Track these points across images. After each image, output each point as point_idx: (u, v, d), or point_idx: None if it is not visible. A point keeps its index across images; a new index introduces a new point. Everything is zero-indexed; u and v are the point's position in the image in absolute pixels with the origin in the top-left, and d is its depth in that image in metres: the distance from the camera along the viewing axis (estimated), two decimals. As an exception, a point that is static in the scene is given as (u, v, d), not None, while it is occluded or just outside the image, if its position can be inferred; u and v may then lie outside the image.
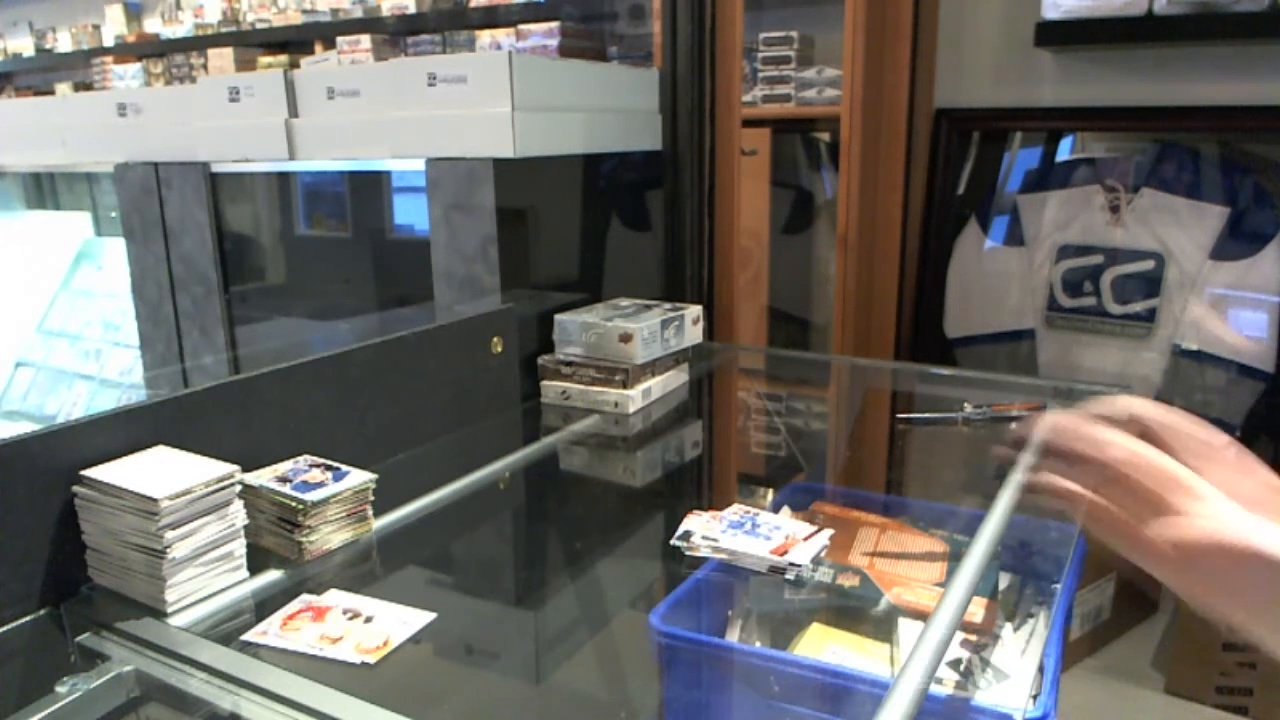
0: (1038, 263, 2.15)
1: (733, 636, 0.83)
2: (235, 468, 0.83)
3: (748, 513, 0.84)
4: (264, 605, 0.82)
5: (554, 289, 1.51)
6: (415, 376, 1.18)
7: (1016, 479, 0.75)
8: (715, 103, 1.72)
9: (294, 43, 3.57)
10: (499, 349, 1.32)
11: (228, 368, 1.93)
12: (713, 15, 1.67)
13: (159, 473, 0.80)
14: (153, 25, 4.17)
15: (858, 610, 0.82)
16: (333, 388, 1.06)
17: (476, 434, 1.27)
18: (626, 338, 1.35)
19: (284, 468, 0.94)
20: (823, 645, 0.78)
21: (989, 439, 1.30)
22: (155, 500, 0.76)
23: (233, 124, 1.69)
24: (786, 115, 2.41)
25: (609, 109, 1.59)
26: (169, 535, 0.77)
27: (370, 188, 1.75)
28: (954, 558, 0.88)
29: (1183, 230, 1.98)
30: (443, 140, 1.42)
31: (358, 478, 0.93)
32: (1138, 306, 2.04)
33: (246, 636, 0.76)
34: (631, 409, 1.35)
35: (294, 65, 3.42)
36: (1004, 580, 0.88)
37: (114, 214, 2.12)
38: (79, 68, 4.37)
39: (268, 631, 0.77)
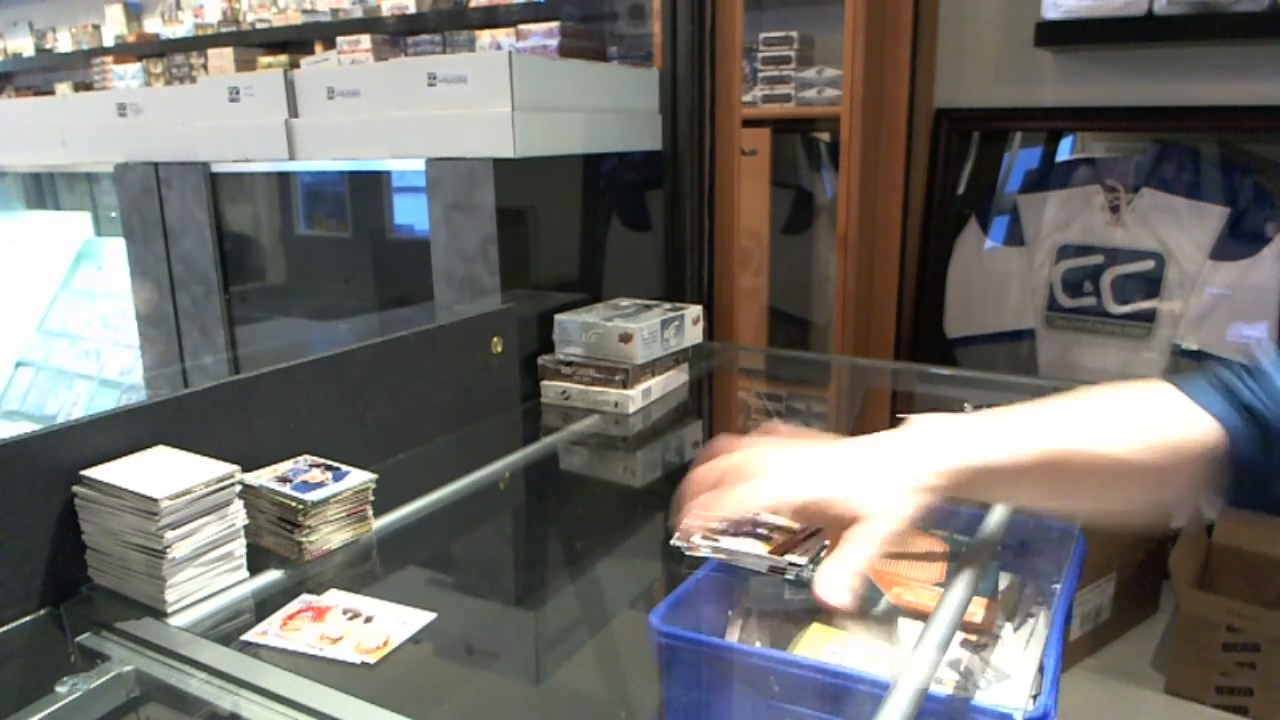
0: (1038, 263, 2.15)
1: (733, 636, 0.83)
2: (235, 468, 0.83)
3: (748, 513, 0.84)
4: (264, 605, 0.82)
5: (554, 289, 1.51)
6: (415, 376, 1.18)
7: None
8: (715, 103, 1.72)
9: (294, 43, 3.57)
10: (499, 349, 1.32)
11: (228, 368, 1.93)
12: (713, 15, 1.67)
13: (159, 473, 0.80)
14: (153, 25, 4.17)
15: (857, 610, 0.82)
16: (333, 388, 1.06)
17: (476, 434, 1.27)
18: (626, 338, 1.35)
19: (284, 468, 0.94)
20: (823, 645, 0.78)
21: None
22: (155, 500, 0.76)
23: (233, 124, 1.69)
24: (786, 115, 2.40)
25: (609, 109, 1.59)
26: (169, 535, 0.77)
27: (370, 188, 1.75)
28: (954, 558, 0.88)
29: (1183, 230, 1.98)
30: (443, 140, 1.42)
31: (358, 478, 0.93)
32: (1138, 306, 2.04)
33: (246, 636, 0.76)
34: (631, 409, 1.35)
35: (294, 65, 3.42)
36: (1004, 580, 0.88)
37: (114, 214, 2.12)
38: (79, 68, 4.37)
39: (268, 631, 0.77)
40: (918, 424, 0.64)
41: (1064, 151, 2.19)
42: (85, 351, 2.28)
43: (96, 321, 2.30)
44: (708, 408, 1.54)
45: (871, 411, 1.57)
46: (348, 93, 1.54)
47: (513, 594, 0.95)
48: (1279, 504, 0.64)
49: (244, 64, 3.61)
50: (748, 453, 0.66)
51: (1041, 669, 0.74)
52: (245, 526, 0.84)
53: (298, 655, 0.74)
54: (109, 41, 4.23)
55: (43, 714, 0.66)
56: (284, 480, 0.91)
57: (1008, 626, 0.80)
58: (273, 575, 0.86)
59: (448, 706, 0.75)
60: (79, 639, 0.76)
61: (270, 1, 3.62)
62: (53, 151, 2.10)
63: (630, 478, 1.24)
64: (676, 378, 1.48)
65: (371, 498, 0.94)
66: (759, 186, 2.37)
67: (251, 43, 3.66)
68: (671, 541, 0.67)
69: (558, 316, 1.42)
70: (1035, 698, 0.70)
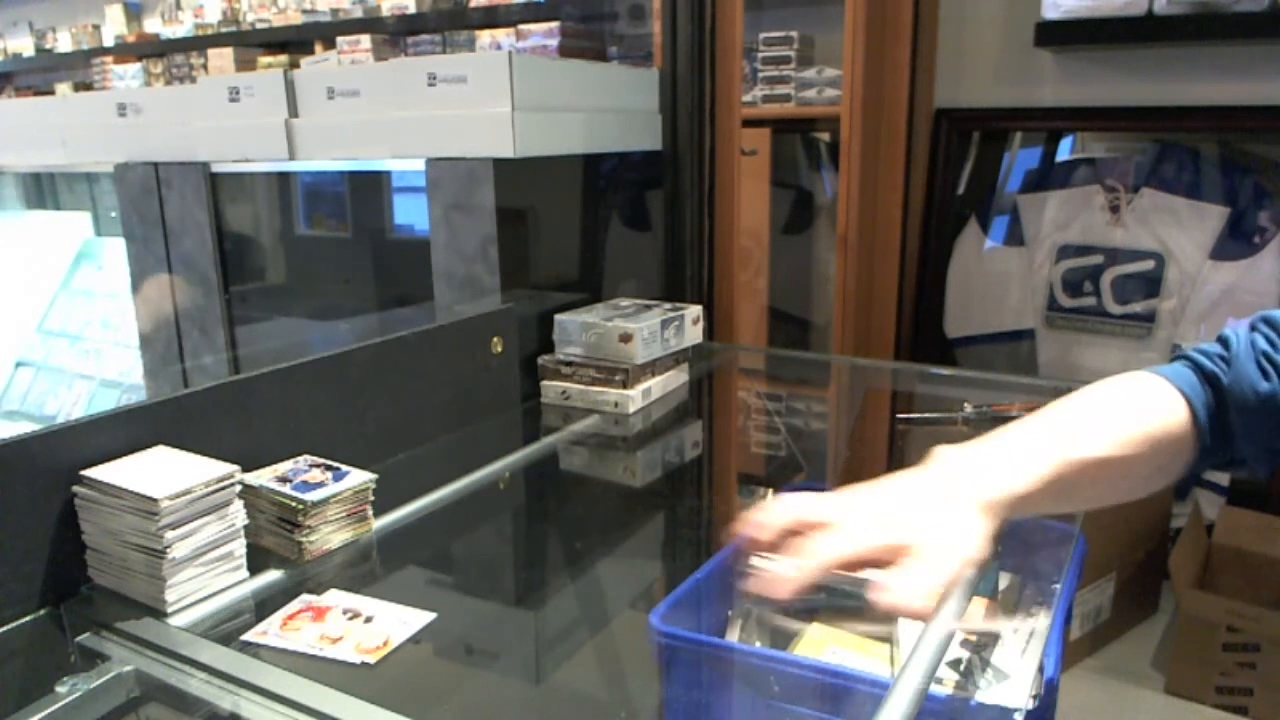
0: (1038, 263, 2.15)
1: (733, 636, 0.83)
2: (235, 468, 0.83)
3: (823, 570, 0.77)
4: (264, 605, 0.82)
5: (554, 289, 1.51)
6: (415, 376, 1.18)
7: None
8: (715, 103, 1.72)
9: (294, 43, 3.57)
10: (499, 349, 1.32)
11: (228, 368, 1.93)
12: (713, 15, 1.67)
13: (159, 473, 0.80)
14: (153, 25, 4.17)
15: (858, 610, 0.82)
16: (333, 388, 1.06)
17: (476, 434, 1.27)
18: (626, 338, 1.35)
19: (284, 468, 0.94)
20: (823, 645, 0.78)
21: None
22: (155, 500, 0.76)
23: (233, 124, 1.69)
24: (786, 115, 2.40)
25: (609, 109, 1.59)
26: (169, 535, 0.77)
27: (370, 188, 1.75)
28: (954, 558, 0.88)
29: (1183, 230, 1.98)
30: (443, 140, 1.42)
31: (358, 478, 0.93)
32: (1138, 306, 2.04)
33: (246, 636, 0.76)
34: (631, 409, 1.35)
35: (294, 65, 3.42)
36: (1004, 580, 0.88)
37: (114, 214, 2.12)
38: (79, 68, 4.37)
39: (268, 631, 0.77)
40: (946, 459, 0.68)
41: (1064, 151, 2.19)
42: (85, 351, 2.28)
43: (96, 321, 2.30)
44: (708, 408, 1.54)
45: (871, 411, 1.57)
46: (348, 93, 1.54)
47: (513, 594, 0.95)
48: (1241, 462, 0.73)
49: (244, 64, 3.61)
50: (800, 508, 0.65)
51: (1041, 669, 0.74)
52: (245, 526, 0.84)
53: (298, 655, 0.74)
54: (109, 41, 4.23)
55: (43, 714, 0.66)
56: (284, 480, 0.91)
57: (1008, 626, 0.80)
58: (273, 575, 0.86)
59: (448, 706, 0.75)
60: (79, 639, 0.76)
61: (270, 1, 3.63)
62: (53, 151, 2.10)
63: (630, 478, 1.24)
64: (676, 378, 1.48)
65: (371, 498, 0.94)
66: (759, 186, 2.37)
67: (251, 43, 3.66)
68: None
69: (558, 316, 1.42)
70: (1035, 698, 0.70)
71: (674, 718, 0.75)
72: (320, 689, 0.67)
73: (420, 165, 1.44)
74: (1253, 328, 0.75)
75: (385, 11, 3.20)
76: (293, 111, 1.61)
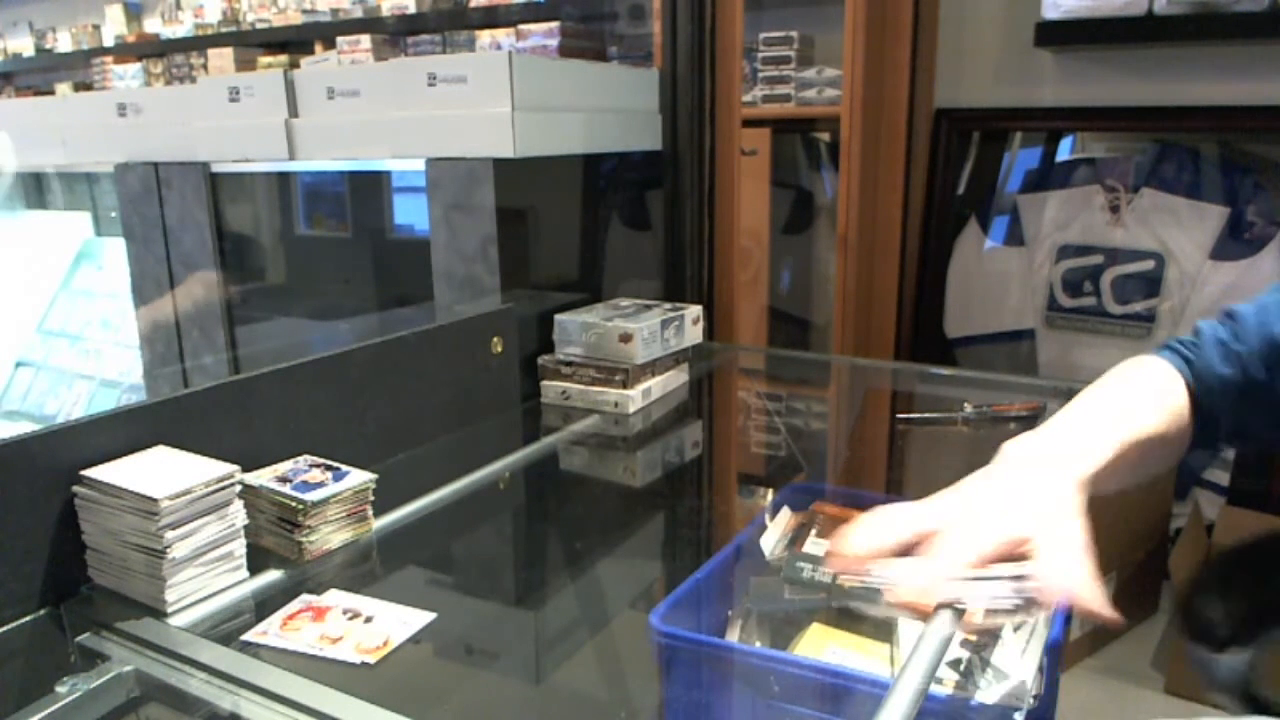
0: (1038, 263, 2.15)
1: (733, 636, 0.83)
2: (235, 468, 0.83)
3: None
4: (264, 605, 0.82)
5: (554, 289, 1.51)
6: (415, 376, 1.18)
7: None
8: (715, 103, 1.72)
9: (294, 43, 3.57)
10: (499, 349, 1.32)
11: (228, 368, 1.93)
12: (713, 15, 1.67)
13: (159, 473, 0.80)
14: (153, 25, 4.17)
15: (858, 610, 0.82)
16: (333, 388, 1.06)
17: (476, 434, 1.27)
18: (626, 338, 1.35)
19: (284, 468, 0.94)
20: (823, 645, 0.78)
21: (989, 439, 1.30)
22: (155, 500, 0.76)
23: (233, 124, 1.69)
24: (786, 115, 2.40)
25: (609, 109, 1.59)
26: (169, 535, 0.77)
27: (370, 188, 1.75)
28: (954, 558, 0.88)
29: (1183, 230, 1.98)
30: (443, 140, 1.42)
31: (358, 478, 0.93)
32: (1138, 306, 2.04)
33: (246, 636, 0.76)
34: (631, 409, 1.35)
35: (294, 65, 3.41)
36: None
37: (114, 214, 2.12)
38: (79, 68, 4.37)
39: (268, 631, 0.77)
40: (1018, 452, 0.72)
41: (1064, 151, 2.19)
42: (85, 351, 2.28)
43: (96, 321, 2.30)
44: (708, 408, 1.54)
45: (871, 411, 1.57)
46: (348, 93, 1.54)
47: (513, 594, 0.95)
48: (1231, 438, 0.80)
49: (244, 64, 3.61)
50: (906, 522, 0.67)
51: (1041, 669, 0.74)
52: (245, 526, 0.84)
53: (298, 655, 0.74)
54: (109, 41, 4.23)
55: (43, 714, 0.66)
56: (284, 480, 0.91)
57: (1008, 626, 0.80)
58: (273, 575, 0.86)
59: (448, 706, 0.75)
60: (79, 639, 0.76)
61: (270, 1, 3.63)
62: (53, 151, 2.10)
63: (630, 478, 1.24)
64: (676, 378, 1.48)
65: (371, 498, 0.94)
66: (759, 186, 2.37)
67: (251, 43, 3.66)
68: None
69: (558, 316, 1.42)
70: (1035, 697, 0.70)
71: (674, 718, 0.75)
72: (320, 689, 0.67)
73: (420, 165, 1.44)
74: (1220, 321, 0.83)
75: (385, 11, 3.20)
76: (293, 111, 1.61)
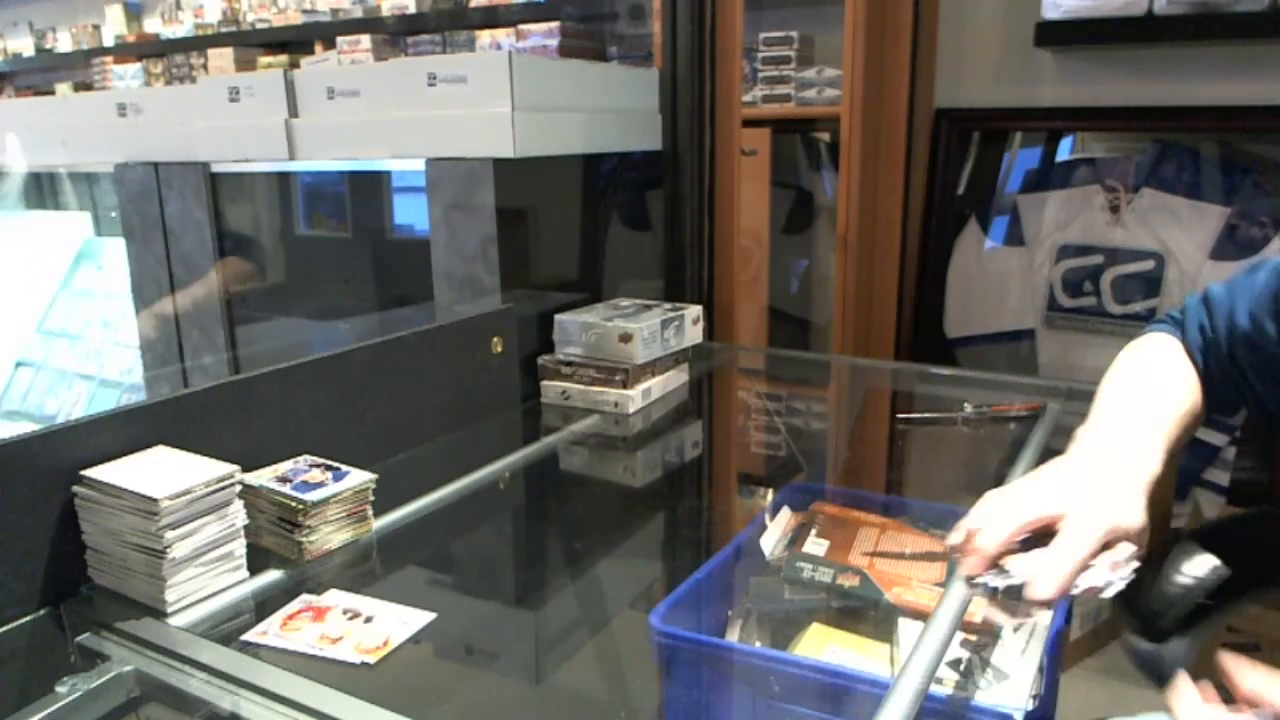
0: (1038, 263, 2.15)
1: (733, 636, 0.83)
2: (235, 468, 0.83)
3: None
4: (264, 605, 0.82)
5: (554, 289, 1.51)
6: (415, 376, 1.18)
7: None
8: (715, 103, 1.72)
9: (294, 43, 3.57)
10: (499, 349, 1.32)
11: (228, 368, 1.93)
12: (713, 15, 1.67)
13: (159, 473, 0.80)
14: (153, 25, 4.17)
15: (858, 610, 0.82)
16: (333, 388, 1.06)
17: (476, 434, 1.27)
18: (626, 338, 1.35)
19: (284, 468, 0.94)
20: (823, 645, 0.78)
21: (989, 439, 1.30)
22: (155, 500, 0.76)
23: (233, 124, 1.69)
24: (786, 115, 2.40)
25: (609, 109, 1.59)
26: (169, 535, 0.77)
27: (370, 188, 1.75)
28: (954, 558, 0.88)
29: (1183, 230, 1.98)
30: (443, 140, 1.42)
31: (358, 478, 0.93)
32: (1138, 306, 2.04)
33: (246, 636, 0.76)
34: (631, 409, 1.35)
35: (294, 65, 3.41)
36: (1004, 580, 0.88)
37: (114, 214, 2.12)
38: (79, 68, 4.37)
39: (268, 631, 0.77)
40: (1098, 440, 0.76)
41: (1064, 151, 2.19)
42: (85, 351, 2.28)
43: (96, 321, 2.30)
44: (708, 408, 1.54)
45: (871, 411, 1.57)
46: (348, 93, 1.54)
47: (513, 594, 0.95)
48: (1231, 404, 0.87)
49: (244, 64, 3.61)
50: (1021, 512, 0.69)
51: (1041, 669, 0.74)
52: (245, 526, 0.84)
53: (298, 655, 0.74)
54: (109, 41, 4.22)
55: (43, 714, 0.66)
56: (284, 480, 0.91)
57: (1008, 626, 0.80)
58: (273, 575, 0.86)
59: (448, 706, 0.75)
60: (79, 639, 0.76)
61: (270, 1, 3.62)
62: (53, 151, 2.09)
63: (630, 478, 1.24)
64: (676, 378, 1.48)
65: (371, 498, 0.94)
66: (759, 186, 2.37)
67: (251, 43, 3.66)
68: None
69: (558, 316, 1.42)
70: (1035, 698, 0.70)
71: (674, 718, 0.75)
72: (320, 689, 0.67)
73: (420, 165, 1.44)
74: (1200, 301, 0.89)
75: (385, 11, 3.20)
76: (293, 111, 1.61)
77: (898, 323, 2.19)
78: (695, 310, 1.51)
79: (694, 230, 1.74)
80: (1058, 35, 1.98)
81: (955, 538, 0.70)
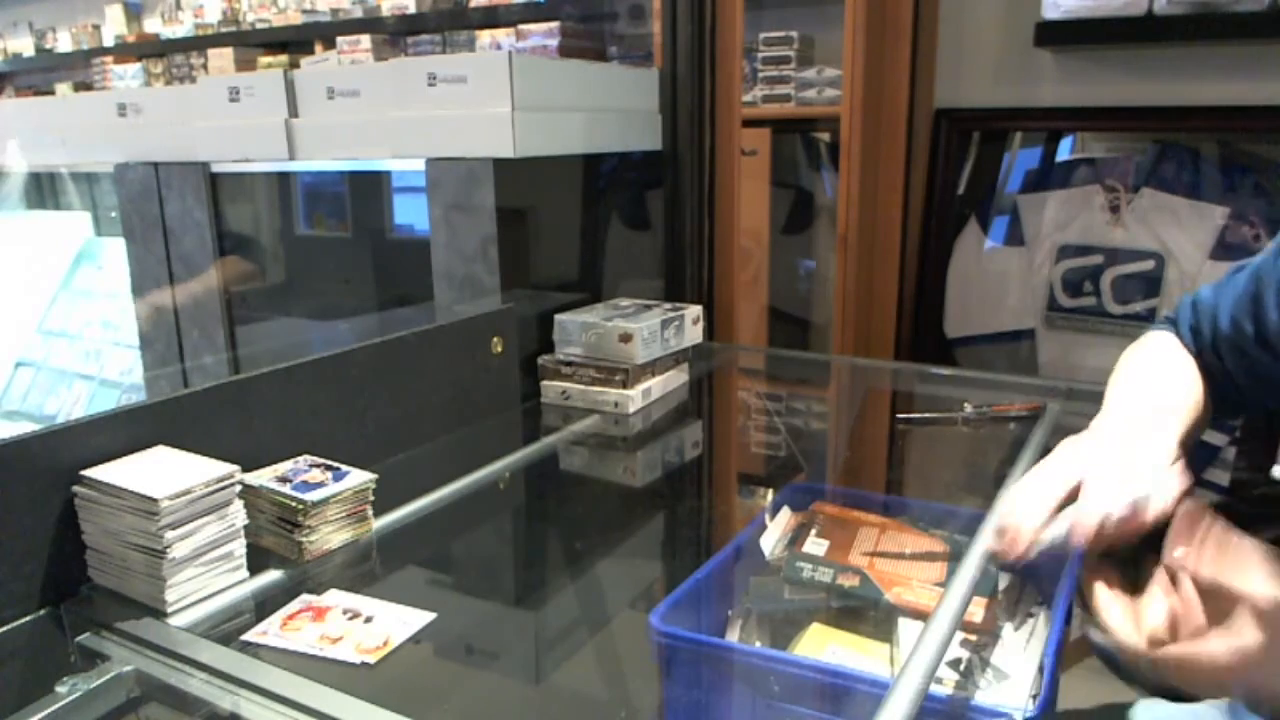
0: (1038, 263, 2.15)
1: (733, 636, 0.83)
2: (235, 468, 0.83)
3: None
4: (264, 605, 0.82)
5: (554, 289, 1.51)
6: (415, 376, 1.18)
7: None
8: (715, 103, 1.72)
9: (294, 43, 3.57)
10: (499, 349, 1.32)
11: (228, 368, 1.93)
12: (713, 15, 1.67)
13: (159, 473, 0.80)
14: (153, 25, 4.17)
15: (858, 610, 0.82)
16: (333, 388, 1.06)
17: (476, 434, 1.27)
18: (626, 338, 1.35)
19: (284, 468, 0.94)
20: (823, 645, 0.78)
21: (989, 439, 1.30)
22: (155, 500, 0.76)
23: (233, 124, 1.69)
24: (786, 115, 2.40)
25: (609, 109, 1.59)
26: (169, 535, 0.77)
27: (370, 188, 1.75)
28: (954, 558, 0.88)
29: (1183, 230, 1.98)
30: (443, 140, 1.42)
31: (358, 478, 0.93)
32: (1138, 306, 2.04)
33: (246, 636, 0.76)
34: (631, 409, 1.35)
35: (294, 65, 3.41)
36: (1004, 580, 0.88)
37: (114, 214, 2.12)
38: (79, 68, 4.37)
39: (268, 631, 0.77)
40: (1107, 428, 0.77)
41: (1064, 151, 2.19)
42: (85, 351, 2.28)
43: (96, 321, 2.30)
44: (708, 408, 1.54)
45: (871, 411, 1.57)
46: (348, 93, 1.54)
47: (513, 594, 0.95)
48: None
49: (244, 64, 3.61)
50: (1055, 479, 0.71)
51: (1041, 669, 0.74)
52: (245, 526, 0.84)
53: (298, 655, 0.74)
54: (109, 41, 4.22)
55: (43, 714, 0.66)
56: (284, 480, 0.91)
57: (1008, 626, 0.80)
58: (273, 575, 0.86)
59: (448, 706, 0.75)
60: (79, 639, 0.76)
61: (270, 1, 3.62)
62: (53, 151, 2.10)
63: (630, 478, 1.24)
64: (676, 378, 1.48)
65: (371, 498, 0.94)
66: (759, 186, 2.37)
67: (251, 43, 3.66)
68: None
69: (558, 316, 1.42)
70: (1035, 697, 0.70)
71: (674, 718, 0.75)
72: (320, 689, 0.67)
73: (420, 165, 1.44)
74: (1192, 303, 0.91)
75: (385, 11, 3.20)
76: (293, 111, 1.61)
77: (898, 323, 2.19)
78: (695, 310, 1.51)
79: (694, 230, 1.74)
80: (1058, 35, 1.98)
81: (995, 543, 0.71)
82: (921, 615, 0.78)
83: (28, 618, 0.79)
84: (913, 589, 0.82)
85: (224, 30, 3.77)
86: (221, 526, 0.82)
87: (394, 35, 3.20)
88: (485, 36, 2.94)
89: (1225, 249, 1.95)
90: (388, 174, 1.70)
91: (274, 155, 1.65)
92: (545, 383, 1.41)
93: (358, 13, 3.27)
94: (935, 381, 1.62)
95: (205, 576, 0.81)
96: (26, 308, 2.41)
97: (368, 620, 0.78)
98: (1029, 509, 0.69)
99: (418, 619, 0.78)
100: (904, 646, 0.75)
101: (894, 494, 1.13)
